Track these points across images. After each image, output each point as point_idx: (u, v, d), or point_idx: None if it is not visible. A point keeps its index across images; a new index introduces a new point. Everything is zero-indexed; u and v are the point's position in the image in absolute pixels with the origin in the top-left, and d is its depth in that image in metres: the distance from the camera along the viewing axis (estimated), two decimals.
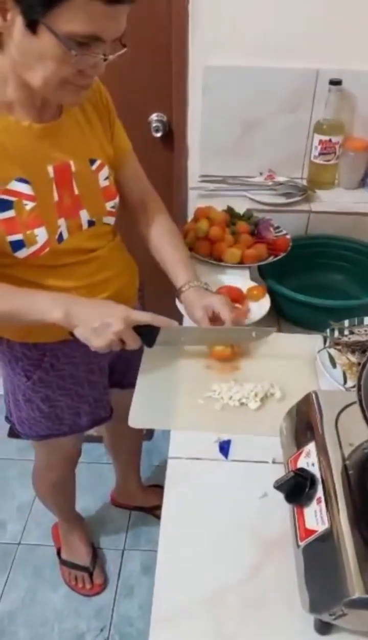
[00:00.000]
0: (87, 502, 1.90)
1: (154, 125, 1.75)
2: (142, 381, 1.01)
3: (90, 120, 1.03)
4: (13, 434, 2.14)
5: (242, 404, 0.94)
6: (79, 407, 1.22)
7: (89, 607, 1.64)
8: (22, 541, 1.81)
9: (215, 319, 1.04)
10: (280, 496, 0.71)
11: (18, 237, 0.93)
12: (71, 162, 0.98)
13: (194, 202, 1.66)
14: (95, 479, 1.99)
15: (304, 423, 0.78)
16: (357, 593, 0.56)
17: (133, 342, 0.94)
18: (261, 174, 1.70)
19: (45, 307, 0.92)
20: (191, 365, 1.03)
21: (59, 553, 1.75)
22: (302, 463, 0.73)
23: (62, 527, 1.73)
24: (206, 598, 0.68)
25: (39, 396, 1.17)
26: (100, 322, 0.91)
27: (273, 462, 0.84)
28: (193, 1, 1.49)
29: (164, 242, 1.17)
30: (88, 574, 1.68)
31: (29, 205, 0.93)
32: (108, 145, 1.08)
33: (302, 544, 0.66)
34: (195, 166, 1.77)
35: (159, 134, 1.76)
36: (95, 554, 1.75)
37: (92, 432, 1.37)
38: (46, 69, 0.82)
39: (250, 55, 1.55)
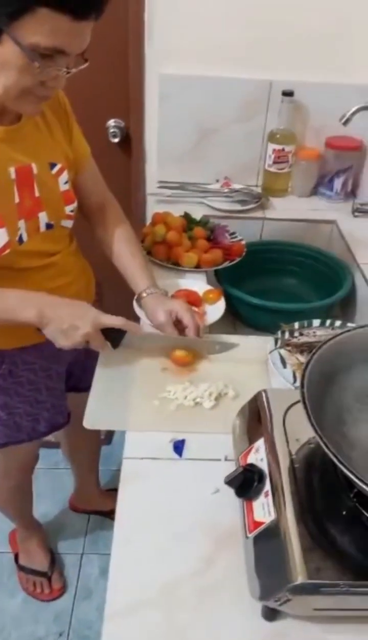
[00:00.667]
0: (45, 508, 1.89)
1: (111, 131, 1.76)
2: (97, 382, 1.02)
3: (50, 124, 1.05)
4: None
5: (196, 403, 0.97)
6: (37, 414, 1.22)
7: (47, 612, 1.63)
8: None
9: (176, 323, 1.07)
10: (231, 491, 0.74)
11: None
12: (33, 165, 0.99)
13: (152, 207, 1.69)
14: (53, 484, 1.98)
15: (255, 420, 0.81)
16: (300, 579, 0.59)
17: (99, 345, 0.97)
18: (217, 181, 1.74)
19: (17, 306, 0.93)
20: (147, 367, 1.05)
21: (16, 559, 1.73)
22: (251, 459, 0.76)
23: (20, 534, 1.71)
24: (159, 591, 0.70)
25: None
26: (69, 324, 0.93)
27: (226, 460, 0.87)
28: (150, 10, 1.52)
29: (122, 248, 1.18)
30: (46, 579, 1.68)
31: None
32: (68, 149, 1.09)
33: (250, 535, 0.69)
34: (153, 172, 1.79)
35: (116, 140, 1.77)
36: (54, 559, 1.74)
37: (50, 437, 1.37)
38: (8, 78, 0.83)
39: (206, 64, 1.59)
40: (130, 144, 1.80)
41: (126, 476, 0.85)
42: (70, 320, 0.93)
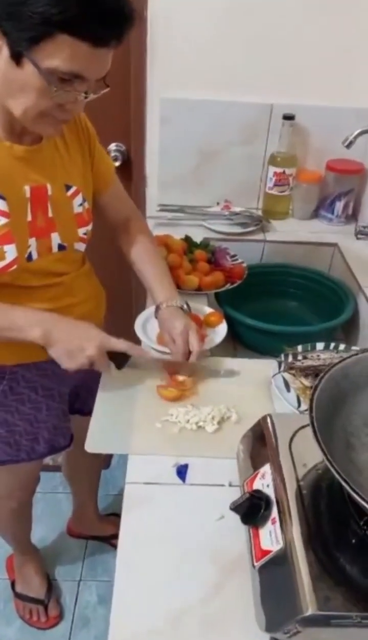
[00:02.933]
0: (42, 532, 1.85)
1: (112, 154, 1.78)
2: (99, 405, 1.01)
3: (70, 147, 1.06)
4: None
5: (199, 427, 0.96)
6: (37, 433, 1.21)
7: None
8: None
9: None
10: (237, 518, 0.72)
11: None
12: (48, 185, 1.00)
13: (153, 230, 1.69)
14: (51, 509, 1.95)
15: (260, 445, 0.80)
16: (310, 610, 0.57)
17: (104, 367, 0.98)
18: (218, 203, 1.75)
19: (24, 324, 0.94)
20: (149, 390, 1.04)
21: (13, 586, 1.70)
22: (257, 485, 0.74)
23: (17, 559, 1.68)
24: (164, 621, 0.68)
25: None
26: (75, 346, 0.94)
27: (230, 485, 0.85)
28: (152, 35, 1.55)
29: (143, 260, 1.20)
30: (43, 606, 1.64)
31: (2, 221, 0.95)
32: (87, 172, 1.10)
33: (257, 564, 0.67)
34: (154, 195, 1.80)
35: (117, 163, 1.78)
36: (51, 586, 1.70)
37: (48, 460, 1.35)
38: (27, 100, 0.85)
39: (207, 88, 1.61)
40: (131, 168, 1.81)
41: (129, 501, 0.84)
42: (76, 342, 0.94)
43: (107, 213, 1.21)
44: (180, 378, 1.04)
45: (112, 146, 1.78)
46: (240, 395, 1.02)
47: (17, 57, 0.80)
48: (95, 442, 0.94)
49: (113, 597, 0.71)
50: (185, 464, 0.89)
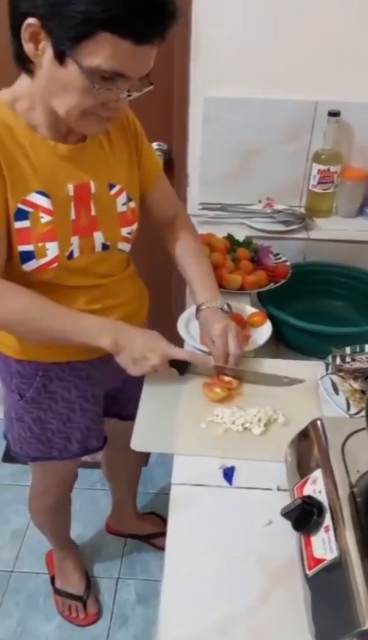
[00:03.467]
0: (81, 529, 1.87)
1: None
2: (144, 404, 1.01)
3: (115, 146, 1.06)
4: (8, 458, 2.14)
5: (245, 428, 0.94)
6: (69, 433, 1.22)
7: (82, 637, 1.60)
8: (15, 569, 1.77)
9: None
10: (286, 524, 0.71)
11: (29, 247, 0.95)
12: (91, 183, 1.00)
13: None
14: (90, 505, 1.96)
15: (310, 450, 0.78)
16: (367, 624, 0.55)
17: (165, 374, 1.00)
18: (260, 202, 1.73)
19: (95, 331, 0.95)
20: (193, 389, 1.03)
21: (52, 581, 1.71)
22: (308, 490, 0.72)
23: (57, 555, 1.70)
24: (213, 629, 0.67)
25: (30, 416, 1.17)
26: (140, 354, 0.96)
27: (278, 489, 0.84)
28: (196, 34, 1.53)
29: (187, 259, 1.20)
30: (82, 603, 1.65)
31: (45, 218, 0.95)
32: (133, 171, 1.10)
33: (309, 573, 0.65)
34: (195, 194, 1.79)
35: None
36: (89, 582, 1.71)
37: (86, 457, 1.36)
38: (70, 99, 0.85)
39: (251, 86, 1.59)
40: (172, 167, 1.80)
41: (175, 503, 0.83)
42: (141, 351, 0.96)
43: (154, 212, 1.21)
44: (227, 378, 1.03)
45: (154, 145, 1.77)
46: (287, 397, 1.00)
47: (60, 57, 0.81)
48: (141, 440, 0.94)
49: (161, 601, 0.70)
50: (232, 466, 0.88)
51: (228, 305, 1.13)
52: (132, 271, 1.20)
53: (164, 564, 0.75)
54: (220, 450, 0.91)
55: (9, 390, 1.18)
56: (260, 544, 0.77)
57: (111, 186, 1.05)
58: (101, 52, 0.78)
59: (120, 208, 1.07)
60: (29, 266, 0.97)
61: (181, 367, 1.03)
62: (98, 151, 1.03)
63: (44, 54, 0.82)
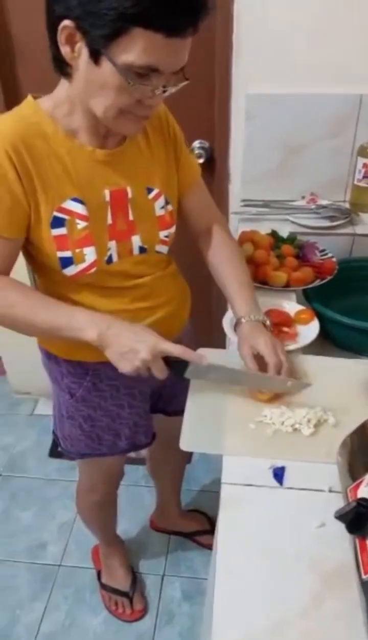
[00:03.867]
0: (126, 525, 1.88)
1: (196, 151, 1.78)
2: (191, 404, 1.01)
3: (153, 149, 1.06)
4: (54, 453, 2.18)
5: (294, 429, 0.93)
6: (118, 429, 1.23)
7: (129, 633, 1.62)
8: (62, 563, 1.81)
9: (260, 357, 1.02)
10: (339, 526, 0.70)
11: (67, 254, 0.96)
12: (128, 189, 1.01)
13: (236, 226, 1.67)
14: (134, 502, 1.98)
15: (363, 451, 0.76)
16: None
17: (159, 372, 0.94)
18: (303, 197, 1.71)
19: (82, 325, 0.93)
20: (240, 390, 1.02)
21: (99, 576, 1.74)
22: (363, 493, 0.71)
23: (103, 551, 1.72)
24: (265, 630, 0.67)
25: (81, 414, 1.19)
26: (128, 348, 0.91)
27: (330, 491, 0.82)
28: (237, 31, 1.52)
29: (225, 269, 1.16)
30: (128, 599, 1.67)
31: (81, 224, 0.96)
32: (172, 174, 1.09)
33: (366, 577, 0.64)
34: (237, 190, 1.79)
35: (201, 160, 1.78)
36: (135, 579, 1.73)
37: (132, 454, 1.37)
38: (106, 98, 0.86)
39: (293, 81, 1.57)
40: (214, 164, 1.80)
41: (226, 502, 0.83)
42: (129, 344, 0.91)
43: (191, 218, 1.19)
44: (260, 396, 1.00)
45: (196, 143, 1.78)
46: (336, 397, 0.99)
47: (95, 56, 0.82)
48: (189, 441, 0.94)
49: (214, 602, 0.70)
50: (282, 466, 0.87)
51: (269, 321, 1.09)
52: (173, 270, 1.19)
53: (215, 564, 0.75)
54: (270, 451, 0.90)
55: (60, 389, 1.20)
56: (313, 546, 0.76)
57: (149, 190, 1.05)
58: (134, 48, 0.79)
59: (159, 212, 1.06)
60: (69, 271, 0.98)
61: (178, 368, 0.96)
62: (136, 155, 1.03)
63: (80, 55, 0.83)
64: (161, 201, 1.06)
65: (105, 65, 0.82)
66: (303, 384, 1.00)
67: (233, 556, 0.75)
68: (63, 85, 0.93)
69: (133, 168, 1.02)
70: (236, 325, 1.09)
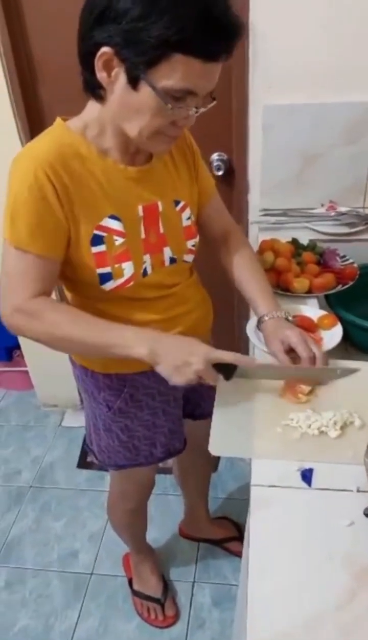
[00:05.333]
0: (155, 533, 1.91)
1: (215, 164, 1.81)
2: (219, 409, 1.03)
3: (176, 163, 1.10)
4: (82, 464, 2.22)
5: (321, 432, 0.95)
6: (154, 438, 1.26)
7: (161, 639, 1.64)
8: (94, 571, 1.83)
9: (290, 351, 1.06)
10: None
11: (107, 270, 1.00)
12: (159, 203, 1.05)
13: (256, 235, 1.70)
14: (163, 510, 2.00)
15: None
16: None
17: (212, 380, 0.96)
18: (322, 205, 1.73)
19: (131, 342, 0.94)
20: (267, 393, 1.05)
21: (130, 583, 1.76)
22: None
23: (133, 558, 1.75)
24: (300, 625, 0.68)
25: (118, 426, 1.22)
26: (182, 361, 0.93)
27: (359, 491, 0.84)
28: (253, 44, 1.56)
29: (243, 272, 1.20)
30: (160, 605, 1.69)
31: (119, 240, 1.00)
32: (193, 187, 1.14)
33: None
34: (255, 200, 1.81)
35: (220, 172, 1.82)
36: (166, 585, 1.75)
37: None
38: (142, 121, 0.89)
39: (309, 92, 1.60)
40: (233, 176, 1.84)
41: (256, 503, 0.85)
42: (182, 357, 0.93)
43: (207, 226, 1.23)
44: (305, 389, 1.03)
45: (214, 156, 1.81)
46: (362, 399, 1.00)
47: (134, 82, 0.85)
48: (218, 445, 0.96)
49: (248, 599, 0.72)
50: (310, 468, 0.89)
51: (291, 316, 1.13)
52: (196, 279, 1.23)
53: (247, 564, 0.77)
54: (298, 454, 0.92)
55: (96, 403, 1.22)
56: (344, 544, 0.77)
57: (176, 203, 1.09)
58: (174, 73, 0.82)
59: (185, 222, 1.11)
60: (108, 286, 1.02)
61: (227, 372, 0.99)
62: (163, 170, 1.08)
63: (117, 80, 0.86)
64: (187, 212, 1.10)
65: (144, 89, 0.85)
66: (352, 369, 1.02)
67: (266, 555, 0.77)
68: (93, 107, 0.97)
69: (161, 183, 1.06)
70: (259, 324, 1.13)
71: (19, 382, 2.62)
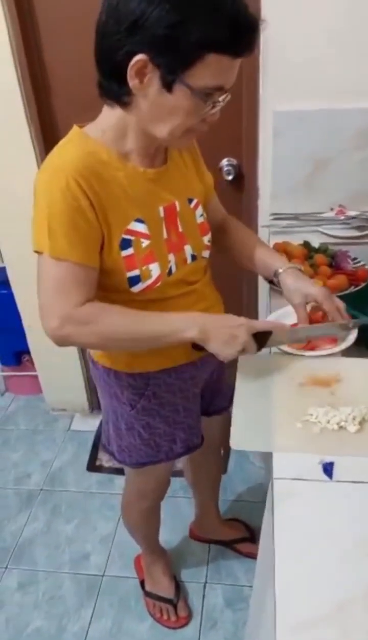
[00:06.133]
0: (166, 535, 1.90)
1: (225, 169, 1.84)
2: (238, 404, 1.05)
3: (187, 163, 1.14)
4: (92, 467, 2.23)
5: (340, 427, 0.97)
6: (174, 434, 1.28)
7: (174, 639, 1.65)
8: (106, 572, 1.84)
9: (314, 309, 1.13)
10: None
11: (135, 272, 1.03)
12: (176, 202, 1.08)
13: (269, 239, 1.73)
14: (173, 512, 2.00)
15: None
16: None
17: (253, 349, 1.03)
18: (332, 209, 1.76)
19: (181, 326, 1.00)
20: (285, 386, 1.07)
21: (142, 585, 1.77)
22: None
23: (146, 559, 1.76)
24: (331, 609, 0.70)
25: (140, 424, 1.24)
26: (229, 335, 1.00)
27: None
28: (264, 51, 1.59)
29: (247, 243, 1.25)
30: (172, 606, 1.69)
31: (145, 242, 1.02)
32: (200, 182, 1.18)
33: None
34: (266, 205, 1.84)
35: (230, 177, 1.85)
36: (178, 586, 1.76)
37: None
38: (175, 121, 0.93)
39: (319, 98, 1.63)
40: (242, 181, 1.87)
41: (279, 495, 0.86)
42: (229, 331, 1.00)
43: (209, 219, 1.25)
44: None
45: (224, 161, 1.85)
46: None
47: (169, 85, 0.88)
48: (239, 439, 0.97)
49: (275, 585, 0.74)
50: (331, 461, 0.91)
51: (303, 267, 1.21)
52: (209, 278, 1.26)
53: (275, 551, 0.78)
54: (318, 448, 0.94)
55: (119, 402, 1.23)
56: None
57: (190, 200, 1.12)
58: (208, 72, 0.86)
59: (199, 219, 1.15)
60: (137, 288, 1.04)
61: (261, 341, 1.06)
62: (176, 170, 1.11)
63: (150, 85, 0.89)
64: (200, 209, 1.14)
65: (179, 90, 0.88)
66: (362, 320, 1.09)
67: (291, 545, 0.79)
68: (110, 113, 0.98)
69: (176, 182, 1.09)
70: (275, 277, 1.17)
71: (28, 386, 2.63)
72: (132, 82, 0.88)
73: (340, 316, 1.12)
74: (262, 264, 1.21)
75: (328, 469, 0.90)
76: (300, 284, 1.13)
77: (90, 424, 2.47)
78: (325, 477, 0.89)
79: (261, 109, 1.69)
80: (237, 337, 0.99)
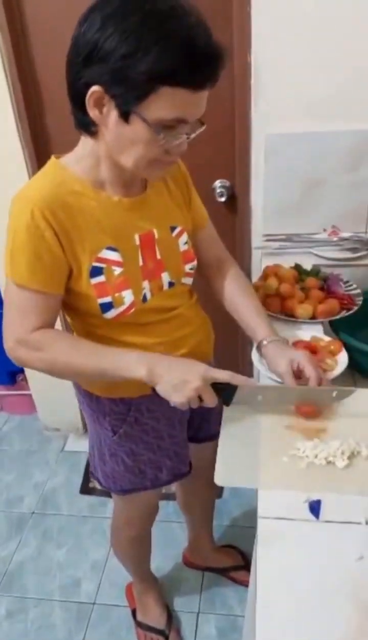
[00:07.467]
0: (158, 561, 1.87)
1: (218, 191, 1.83)
2: (224, 439, 1.02)
3: (171, 191, 1.13)
4: (85, 490, 2.19)
5: (328, 462, 0.94)
6: (160, 462, 1.25)
7: None
8: (96, 601, 1.80)
9: (297, 374, 1.06)
10: None
11: (107, 299, 1.02)
12: (155, 230, 1.07)
13: (258, 261, 1.71)
14: (166, 538, 1.97)
15: None
16: None
17: (211, 400, 0.97)
18: (325, 230, 1.74)
19: (130, 365, 0.97)
20: (272, 424, 1.04)
21: (134, 614, 1.73)
22: None
23: (137, 588, 1.72)
24: None
25: (123, 450, 1.21)
26: (179, 380, 0.94)
27: (367, 523, 0.83)
28: (256, 76, 1.59)
29: (239, 298, 1.22)
30: (164, 637, 1.65)
31: (117, 270, 1.02)
32: (187, 212, 1.17)
33: None
34: (259, 226, 1.83)
35: (223, 199, 1.84)
36: (170, 616, 1.72)
37: (162, 489, 1.38)
38: (137, 152, 0.91)
39: (312, 120, 1.63)
40: (235, 202, 1.86)
41: (263, 536, 0.83)
42: (180, 375, 0.94)
43: (201, 252, 1.24)
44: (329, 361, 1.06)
45: (217, 183, 1.84)
46: None
47: (125, 116, 0.87)
48: (224, 475, 0.95)
49: (256, 631, 0.71)
50: (318, 499, 0.88)
51: (286, 339, 1.16)
52: (195, 302, 1.24)
53: (254, 598, 0.75)
54: (305, 485, 0.91)
55: (102, 428, 1.22)
56: (353, 579, 0.76)
57: (173, 228, 1.11)
58: (163, 104, 0.85)
59: (183, 247, 1.13)
60: (110, 315, 1.03)
61: (226, 396, 1.00)
62: (157, 199, 1.10)
63: (109, 116, 0.89)
64: (184, 237, 1.13)
65: (136, 122, 0.87)
66: (348, 390, 1.02)
67: (273, 589, 0.76)
68: (85, 143, 0.99)
69: (156, 210, 1.08)
70: (259, 349, 1.14)
71: (22, 405, 2.61)
72: (92, 112, 0.89)
73: (316, 383, 1.04)
74: (248, 328, 1.19)
75: (315, 507, 0.87)
76: (284, 351, 1.10)
77: (83, 445, 2.43)
78: (311, 517, 0.86)
79: (253, 131, 1.68)
80: (188, 383, 0.93)
